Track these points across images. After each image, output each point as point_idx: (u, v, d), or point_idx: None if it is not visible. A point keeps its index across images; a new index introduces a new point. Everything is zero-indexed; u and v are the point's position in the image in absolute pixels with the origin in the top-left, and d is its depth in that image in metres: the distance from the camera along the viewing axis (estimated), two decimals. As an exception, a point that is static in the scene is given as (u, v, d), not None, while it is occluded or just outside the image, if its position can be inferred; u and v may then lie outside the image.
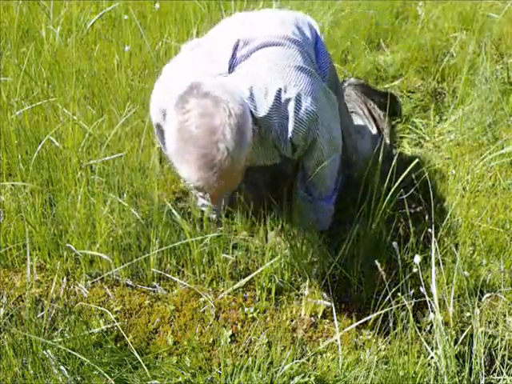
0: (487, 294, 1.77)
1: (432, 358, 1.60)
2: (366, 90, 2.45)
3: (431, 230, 1.76)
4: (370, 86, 2.55)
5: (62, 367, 1.59)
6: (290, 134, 1.62)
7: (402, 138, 2.50)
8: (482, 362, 1.60)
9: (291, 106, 1.60)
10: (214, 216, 1.97)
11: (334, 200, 1.90)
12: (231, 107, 1.43)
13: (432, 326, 1.68)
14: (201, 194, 1.92)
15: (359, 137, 2.18)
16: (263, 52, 1.68)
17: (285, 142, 1.65)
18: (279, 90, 1.59)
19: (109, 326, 1.70)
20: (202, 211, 1.97)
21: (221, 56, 1.66)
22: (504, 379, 1.62)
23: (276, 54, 1.68)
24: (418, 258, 1.64)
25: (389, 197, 1.79)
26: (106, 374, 1.53)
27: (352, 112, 2.35)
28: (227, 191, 1.68)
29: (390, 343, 1.66)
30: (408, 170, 1.76)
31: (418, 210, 2.00)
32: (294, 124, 1.61)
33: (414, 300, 1.74)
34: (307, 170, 1.79)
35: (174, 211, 1.91)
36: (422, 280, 1.74)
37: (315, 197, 1.85)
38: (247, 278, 1.79)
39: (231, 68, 1.65)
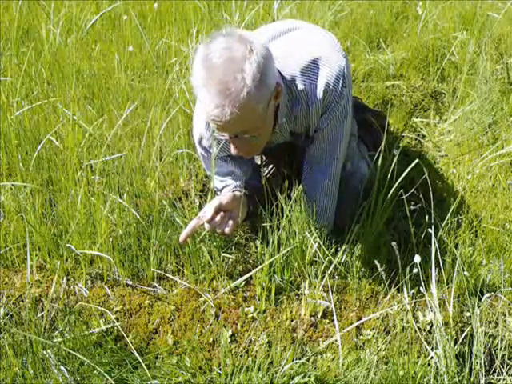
0: (487, 294, 1.77)
1: (432, 358, 1.60)
2: (358, 106, 2.35)
3: (431, 230, 1.76)
4: (363, 103, 2.49)
5: (62, 367, 1.59)
6: (323, 88, 1.71)
7: (402, 137, 2.50)
8: (482, 362, 1.61)
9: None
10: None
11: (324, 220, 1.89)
12: (254, 46, 1.53)
13: (432, 326, 1.68)
14: (220, 137, 1.72)
15: (362, 161, 2.12)
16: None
17: (316, 101, 1.73)
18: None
19: (109, 326, 1.70)
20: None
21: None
22: (504, 379, 1.62)
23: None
24: (418, 258, 1.64)
25: (389, 197, 1.79)
26: (105, 374, 1.53)
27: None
28: (246, 137, 1.63)
29: (389, 343, 1.66)
30: (408, 169, 1.76)
31: (417, 209, 2.00)
32: (326, 79, 1.71)
33: (414, 300, 1.75)
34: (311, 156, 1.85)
35: (173, 211, 1.92)
36: (422, 280, 1.74)
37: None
38: (247, 276, 1.78)
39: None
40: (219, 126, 1.57)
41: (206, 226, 1.75)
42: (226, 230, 1.75)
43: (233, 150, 1.69)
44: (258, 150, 1.77)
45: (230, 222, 1.76)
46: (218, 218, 1.75)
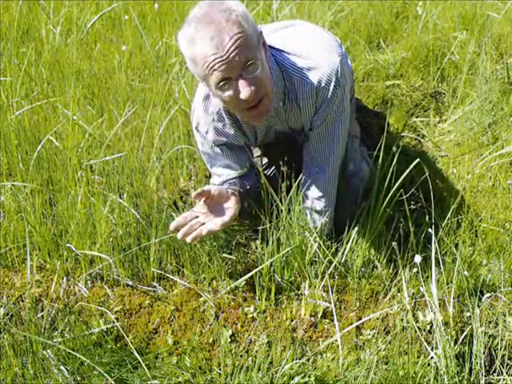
0: (487, 294, 1.77)
1: (432, 357, 1.60)
2: (358, 107, 2.31)
3: (431, 230, 1.76)
4: (363, 104, 2.47)
5: (62, 367, 1.59)
6: (315, 81, 1.70)
7: (401, 137, 2.50)
8: (482, 361, 1.61)
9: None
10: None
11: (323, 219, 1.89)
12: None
13: (432, 325, 1.68)
14: (227, 93, 1.58)
15: (364, 162, 2.09)
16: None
17: (307, 99, 1.73)
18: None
19: (109, 326, 1.70)
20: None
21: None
22: (504, 379, 1.62)
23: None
24: (418, 258, 1.65)
25: (389, 196, 1.79)
26: (105, 374, 1.54)
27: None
28: (250, 70, 1.54)
29: (389, 343, 1.66)
30: (408, 170, 1.76)
31: (417, 209, 2.00)
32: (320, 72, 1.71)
33: (414, 300, 1.75)
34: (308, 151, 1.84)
35: (173, 211, 1.92)
36: (422, 280, 1.74)
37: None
38: (247, 276, 1.78)
39: None
40: (220, 64, 1.50)
41: (192, 222, 1.76)
42: (212, 226, 1.76)
43: (243, 93, 1.55)
44: (264, 91, 1.61)
45: (217, 220, 1.76)
46: (201, 217, 1.77)
